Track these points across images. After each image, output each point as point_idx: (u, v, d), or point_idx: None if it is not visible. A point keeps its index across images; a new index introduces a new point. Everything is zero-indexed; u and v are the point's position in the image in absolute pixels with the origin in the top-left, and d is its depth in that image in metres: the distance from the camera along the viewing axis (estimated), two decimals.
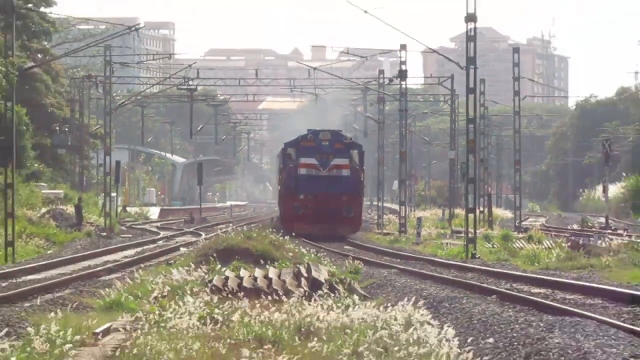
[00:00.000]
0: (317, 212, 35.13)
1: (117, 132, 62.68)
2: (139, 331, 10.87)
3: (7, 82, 34.67)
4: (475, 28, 31.86)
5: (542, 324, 12.15)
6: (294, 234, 31.59)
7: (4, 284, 20.17)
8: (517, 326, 12.40)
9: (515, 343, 11.06)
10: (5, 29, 39.95)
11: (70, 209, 48.78)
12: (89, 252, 33.31)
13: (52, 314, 11.98)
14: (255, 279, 17.66)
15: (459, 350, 9.68)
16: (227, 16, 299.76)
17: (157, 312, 13.01)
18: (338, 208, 35.53)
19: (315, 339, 9.97)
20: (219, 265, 20.14)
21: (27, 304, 16.33)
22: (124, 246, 37.33)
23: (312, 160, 35.75)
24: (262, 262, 22.07)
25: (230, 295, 15.60)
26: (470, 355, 9.50)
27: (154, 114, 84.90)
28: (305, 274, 17.68)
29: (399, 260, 29.89)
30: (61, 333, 10.22)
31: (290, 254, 25.07)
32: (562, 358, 9.59)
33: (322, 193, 35.37)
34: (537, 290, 19.07)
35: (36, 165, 56.68)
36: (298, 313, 12.34)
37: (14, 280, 21.28)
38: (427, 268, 26.75)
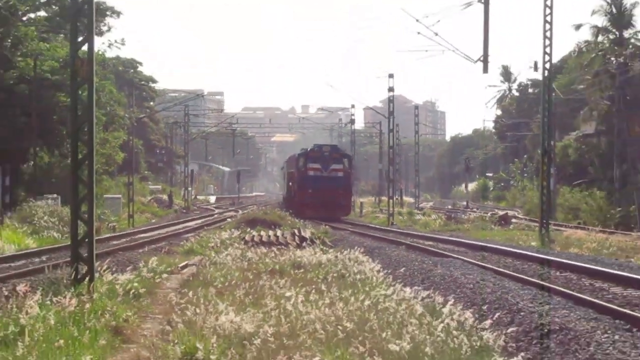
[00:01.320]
0: (320, 202, 45.17)
1: (191, 154, 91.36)
2: (203, 266, 18.78)
3: (130, 124, 55.48)
4: (393, 95, 50.30)
5: (431, 262, 20.31)
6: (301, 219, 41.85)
7: (127, 239, 31.24)
8: (416, 263, 20.40)
9: (416, 272, 18.69)
10: (129, 96, 66.25)
11: (165, 197, 73.13)
12: (175, 221, 47.94)
13: (154, 257, 19.77)
14: (269, 236, 28.01)
15: (383, 275, 16.85)
16: (254, 84, 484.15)
17: (213, 255, 20.96)
18: (335, 198, 46.31)
19: (303, 269, 17.47)
20: (248, 229, 31.88)
21: (140, 250, 25.33)
22: (194, 218, 52.64)
23: (317, 165, 46.97)
24: (273, 227, 33.79)
25: (254, 246, 24.77)
26: (390, 278, 16.11)
27: (212, 143, 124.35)
28: (297, 234, 28.89)
29: (350, 225, 42.38)
30: (159, 267, 17.49)
31: (289, 222, 37.76)
32: (442, 280, 16.34)
33: (324, 188, 45.76)
34: (428, 242, 29.52)
35: (146, 172, 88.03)
36: (293, 255, 20.02)
37: (134, 237, 32.93)
38: (366, 230, 38.77)
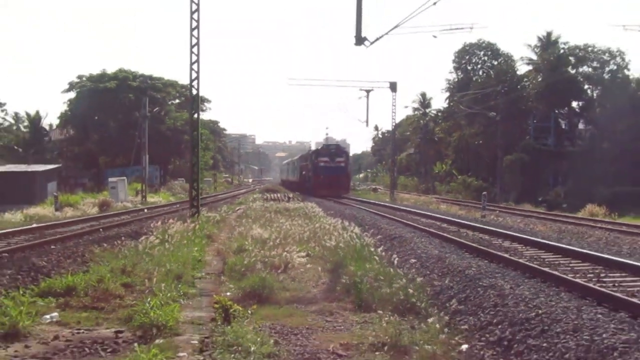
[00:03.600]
0: (328, 184, 57.77)
1: (240, 161, 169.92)
2: (246, 209, 32.92)
3: (214, 148, 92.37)
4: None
5: (345, 207, 35.23)
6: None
7: (213, 198, 56.43)
8: (338, 208, 33.80)
9: (337, 212, 31.94)
10: (212, 133, 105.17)
11: (230, 180, 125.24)
12: (234, 191, 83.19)
13: (225, 205, 35.71)
14: (273, 197, 47.67)
15: (324, 213, 29.98)
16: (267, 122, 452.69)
17: (250, 204, 35.53)
18: (338, 181, 59.16)
19: (288, 211, 31.25)
20: (265, 193, 55.85)
21: (219, 202, 45.61)
22: (242, 190, 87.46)
23: (326, 158, 60.02)
24: (275, 192, 60.62)
25: (267, 200, 40.71)
26: (326, 215, 28.60)
27: (249, 156, 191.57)
28: (286, 195, 47.41)
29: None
30: (227, 209, 31.93)
31: (283, 191, 63.24)
32: (348, 215, 30.03)
33: (331, 175, 58.63)
34: (349, 200, 52.18)
35: (222, 169, 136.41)
36: (284, 205, 34.86)
37: (217, 197, 59.44)
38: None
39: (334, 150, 61.81)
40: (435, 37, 38.17)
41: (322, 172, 58.74)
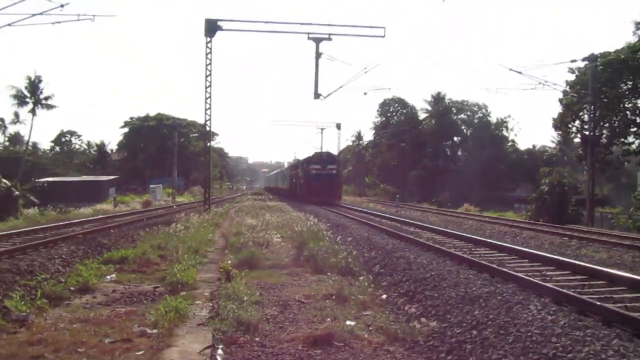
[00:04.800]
0: (320, 191, 39.48)
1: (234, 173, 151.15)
2: (240, 207, 31.52)
3: (220, 165, 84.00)
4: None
5: (311, 208, 31.58)
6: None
7: (219, 199, 50.70)
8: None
9: (305, 210, 27.80)
10: (218, 157, 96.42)
11: (232, 187, 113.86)
12: (233, 194, 76.17)
13: (227, 204, 34.70)
14: (260, 197, 47.74)
15: (293, 209, 28.37)
16: (256, 147, 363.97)
17: (244, 203, 34.25)
18: (330, 189, 40.30)
19: (269, 207, 30.13)
20: (253, 195, 52.00)
21: (222, 203, 40.62)
22: (239, 193, 78.40)
23: (318, 166, 40.64)
24: (260, 195, 55.79)
25: (256, 200, 39.77)
26: (296, 210, 27.53)
27: (241, 171, 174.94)
28: (268, 197, 46.18)
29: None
30: (228, 206, 30.53)
31: (266, 194, 56.56)
32: (312, 212, 27.78)
33: (322, 182, 39.96)
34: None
35: (226, 180, 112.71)
36: (267, 203, 34.47)
37: (222, 198, 54.47)
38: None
39: (325, 158, 42.70)
40: (365, 94, 38.58)
41: (314, 180, 40.68)
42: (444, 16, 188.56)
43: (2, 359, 5.96)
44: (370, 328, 7.39)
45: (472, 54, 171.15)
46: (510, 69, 27.80)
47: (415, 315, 8.13)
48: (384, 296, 9.49)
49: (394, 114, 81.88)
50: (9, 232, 16.93)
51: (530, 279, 8.56)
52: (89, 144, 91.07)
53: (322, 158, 42.05)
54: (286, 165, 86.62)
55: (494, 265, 10.06)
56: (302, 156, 54.43)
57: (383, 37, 26.54)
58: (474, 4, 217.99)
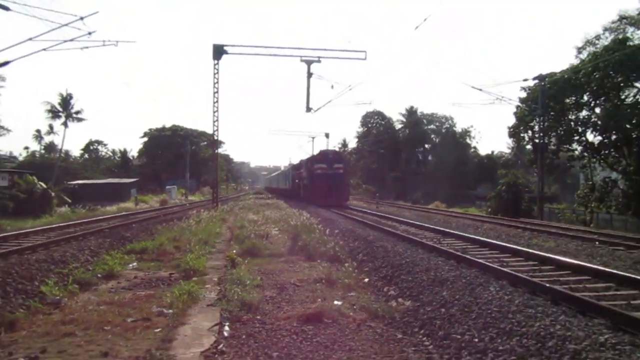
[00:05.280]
0: (326, 192, 32.40)
1: (238, 176, 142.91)
2: (244, 204, 30.57)
3: (226, 169, 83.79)
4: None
5: (303, 206, 30.45)
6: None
7: (226, 198, 48.20)
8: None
9: (299, 206, 27.53)
10: (224, 162, 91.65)
11: (238, 188, 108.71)
12: (238, 193, 72.94)
13: (232, 202, 33.52)
14: (262, 196, 46.24)
15: (287, 206, 27.78)
16: (257, 152, 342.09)
17: (247, 201, 33.11)
18: (337, 190, 32.98)
19: (269, 204, 29.09)
20: (256, 194, 50.76)
21: (228, 201, 38.77)
22: (243, 193, 75.30)
23: (324, 165, 33.22)
24: (262, 193, 53.11)
25: (258, 198, 38.14)
26: (291, 206, 26.96)
27: (244, 173, 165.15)
28: (269, 195, 44.90)
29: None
30: (233, 204, 29.93)
31: (265, 193, 54.20)
32: (305, 208, 26.88)
33: (329, 182, 32.75)
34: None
35: (231, 182, 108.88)
36: (267, 201, 32.69)
37: (228, 197, 51.14)
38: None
39: (332, 156, 34.30)
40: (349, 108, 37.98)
41: (319, 180, 32.88)
42: (417, 40, 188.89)
43: (40, 336, 5.94)
44: (355, 307, 7.35)
45: (440, 73, 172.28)
46: (472, 87, 28.04)
47: (393, 295, 8.08)
48: (366, 280, 9.43)
49: (374, 124, 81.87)
50: (44, 227, 16.74)
51: (490, 264, 8.58)
52: (113, 152, 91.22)
53: (328, 157, 34.05)
54: (282, 168, 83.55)
55: (459, 253, 10.04)
56: (295, 161, 50.36)
57: (364, 59, 26.48)
58: (444, 31, 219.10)
